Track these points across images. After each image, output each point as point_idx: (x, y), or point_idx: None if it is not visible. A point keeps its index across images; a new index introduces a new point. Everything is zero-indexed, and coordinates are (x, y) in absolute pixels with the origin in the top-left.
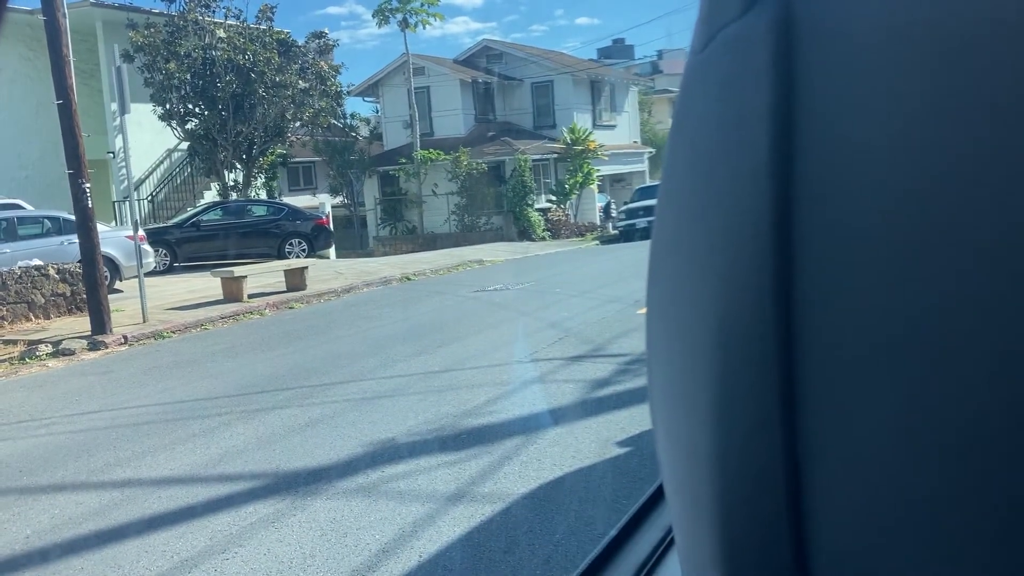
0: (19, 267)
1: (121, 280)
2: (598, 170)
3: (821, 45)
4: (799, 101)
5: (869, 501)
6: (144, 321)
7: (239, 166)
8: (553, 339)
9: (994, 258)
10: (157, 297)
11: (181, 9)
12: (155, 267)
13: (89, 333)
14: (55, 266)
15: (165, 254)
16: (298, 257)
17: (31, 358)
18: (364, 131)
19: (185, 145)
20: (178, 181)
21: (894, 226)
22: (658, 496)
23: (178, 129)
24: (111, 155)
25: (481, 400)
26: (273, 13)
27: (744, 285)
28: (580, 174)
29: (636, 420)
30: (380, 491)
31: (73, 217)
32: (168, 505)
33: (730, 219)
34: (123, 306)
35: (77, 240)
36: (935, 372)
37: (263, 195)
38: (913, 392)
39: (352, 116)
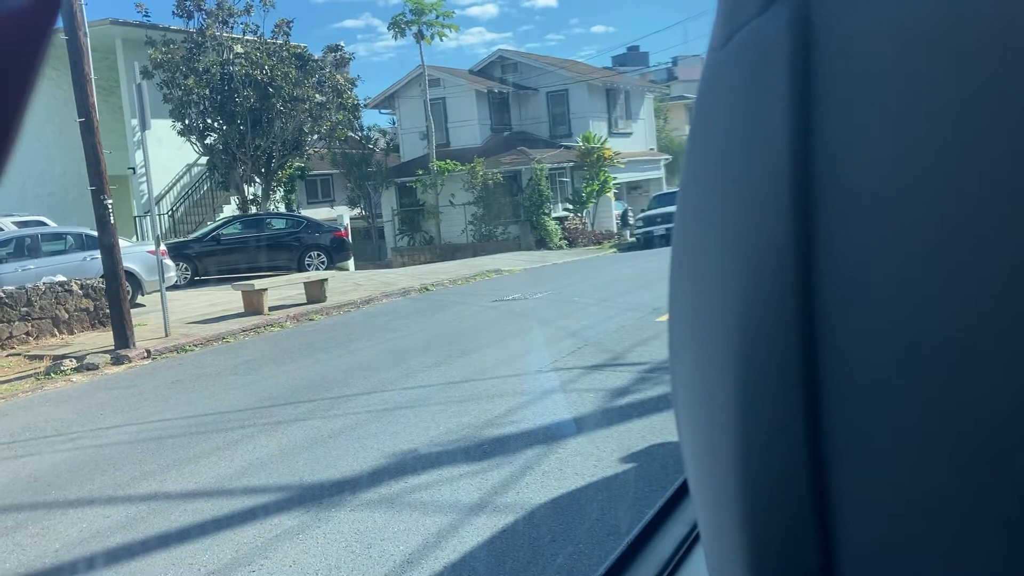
0: (44, 283)
1: (143, 294)
2: (615, 178)
3: (839, 43)
4: (818, 99)
5: (894, 500)
6: (166, 335)
7: (258, 180)
8: (572, 348)
9: (1016, 258)
10: (179, 311)
11: (199, 25)
12: (176, 281)
13: (113, 347)
14: (78, 281)
15: (186, 268)
16: (317, 269)
17: (56, 373)
18: (381, 143)
19: (204, 160)
20: (198, 195)
21: (914, 225)
22: (683, 492)
23: (197, 144)
24: (131, 171)
25: (502, 410)
26: (290, 28)
27: (766, 286)
28: (597, 182)
29: (656, 428)
30: (403, 502)
31: (95, 233)
32: (194, 518)
33: (750, 219)
34: (146, 320)
35: (99, 255)
36: (957, 372)
37: (282, 208)
38: (936, 391)
39: (371, 128)
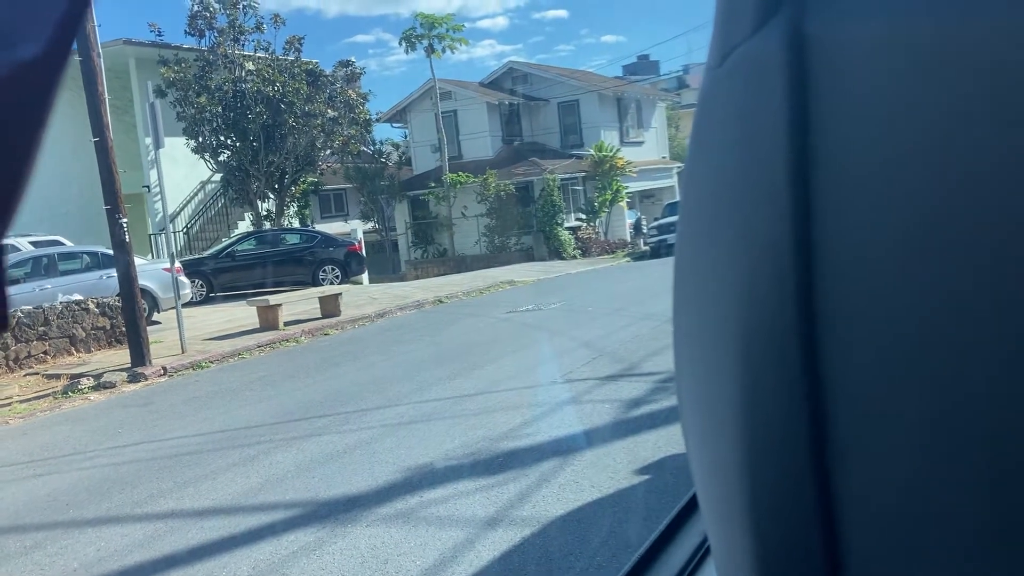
0: (60, 302)
1: (159, 312)
2: (627, 187)
3: (832, 60)
4: (812, 114)
5: (899, 506)
6: (182, 352)
7: (271, 196)
8: (586, 359)
9: (1008, 262)
10: (195, 328)
11: (211, 44)
12: (192, 298)
13: (129, 365)
14: (95, 300)
15: (201, 285)
16: (332, 284)
17: (74, 391)
18: (394, 156)
19: (218, 177)
20: (212, 212)
21: (911, 232)
22: (694, 504)
23: (211, 161)
24: (146, 189)
25: (516, 422)
26: (301, 44)
27: (765, 298)
28: (609, 191)
29: (672, 439)
30: (419, 516)
31: (111, 251)
32: (211, 535)
33: (749, 230)
34: (162, 337)
35: (115, 274)
36: (958, 376)
37: (296, 223)
38: (938, 395)
39: (383, 142)
